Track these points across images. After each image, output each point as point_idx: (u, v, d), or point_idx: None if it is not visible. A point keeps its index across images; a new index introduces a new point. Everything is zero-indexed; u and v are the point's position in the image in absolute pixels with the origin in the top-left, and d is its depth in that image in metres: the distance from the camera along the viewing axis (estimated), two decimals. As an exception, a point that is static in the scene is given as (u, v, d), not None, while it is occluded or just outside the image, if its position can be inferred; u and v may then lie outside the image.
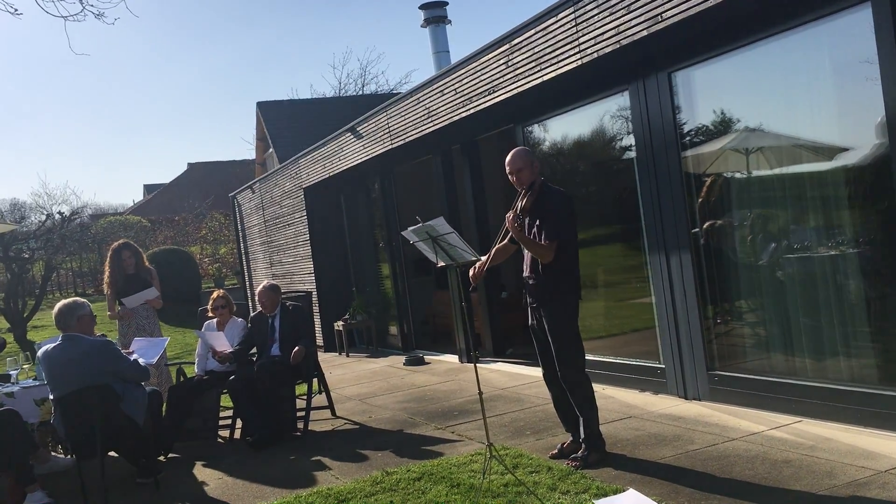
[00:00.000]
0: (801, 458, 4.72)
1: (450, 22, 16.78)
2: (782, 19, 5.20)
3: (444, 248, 4.79)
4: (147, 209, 41.26)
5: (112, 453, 6.08)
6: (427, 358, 10.58)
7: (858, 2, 4.76)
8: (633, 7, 5.75)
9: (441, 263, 4.99)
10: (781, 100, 5.68)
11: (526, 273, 5.21)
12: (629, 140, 6.78)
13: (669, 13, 5.43)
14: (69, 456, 6.45)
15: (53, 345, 5.59)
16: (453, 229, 4.71)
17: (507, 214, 4.96)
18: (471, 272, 5.17)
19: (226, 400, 7.41)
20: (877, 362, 5.19)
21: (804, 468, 4.56)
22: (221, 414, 7.43)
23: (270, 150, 23.18)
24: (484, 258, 5.17)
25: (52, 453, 6.66)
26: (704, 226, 6.21)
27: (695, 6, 5.22)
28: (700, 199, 6.20)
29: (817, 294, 5.47)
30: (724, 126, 6.10)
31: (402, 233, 5.05)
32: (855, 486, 4.19)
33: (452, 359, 10.23)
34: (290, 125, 22.31)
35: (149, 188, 53.44)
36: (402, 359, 10.70)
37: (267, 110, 23.49)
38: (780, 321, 5.75)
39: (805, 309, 5.55)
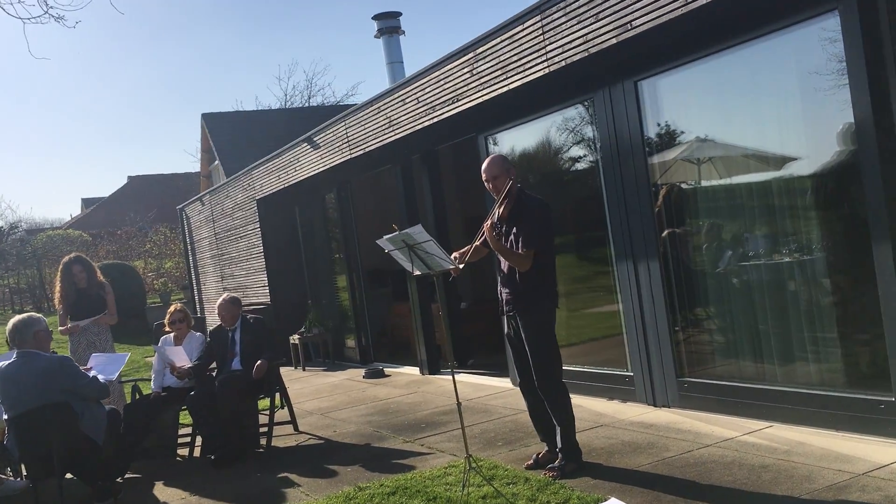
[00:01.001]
0: (777, 463, 4.74)
1: (403, 32, 16.75)
2: (750, 28, 5.26)
3: (420, 257, 4.71)
4: (86, 223, 40.15)
5: (68, 475, 5.81)
6: (387, 370, 10.44)
7: (826, 10, 4.84)
8: (601, 15, 5.76)
9: (417, 272, 4.90)
10: (746, 109, 5.75)
11: (502, 282, 5.15)
12: (595, 148, 6.79)
13: (639, 21, 5.45)
14: (20, 479, 6.16)
15: (7, 362, 5.32)
16: (431, 237, 4.62)
17: (485, 223, 4.89)
18: (456, 254, 5.08)
19: (184, 417, 7.17)
20: (843, 366, 5.27)
21: (782, 473, 4.57)
22: (179, 431, 7.18)
23: (216, 161, 22.80)
24: (463, 250, 5.09)
25: (1, 476, 6.35)
26: (664, 233, 6.25)
27: (666, 14, 5.24)
28: (658, 206, 6.23)
29: (784, 299, 5.54)
30: (689, 134, 6.16)
31: (378, 241, 4.95)
32: (835, 490, 4.22)
33: (413, 371, 10.11)
34: (236, 137, 21.98)
35: (87, 202, 52.08)
36: (361, 372, 10.54)
37: (212, 122, 23.12)
38: (748, 327, 5.80)
39: (772, 314, 5.60)
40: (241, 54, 71.19)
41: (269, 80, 79.49)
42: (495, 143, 8.06)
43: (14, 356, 5.34)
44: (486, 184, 5.08)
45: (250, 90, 79.10)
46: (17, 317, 5.46)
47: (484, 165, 5.08)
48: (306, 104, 37.24)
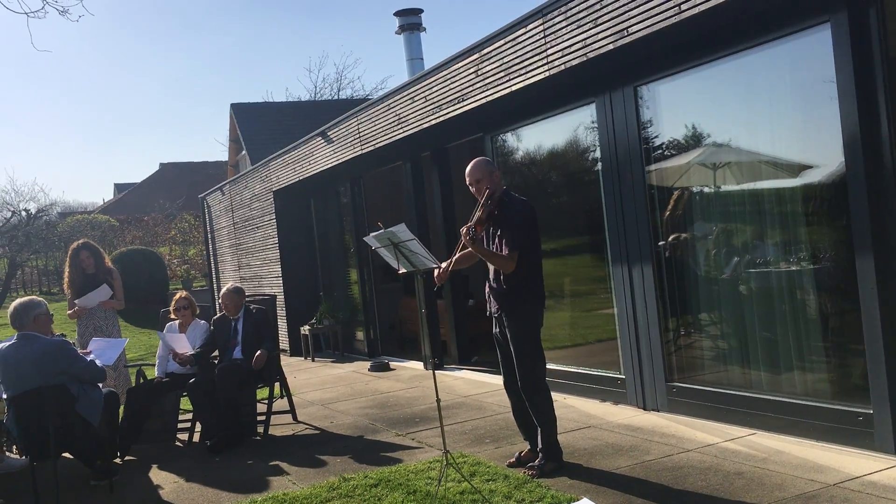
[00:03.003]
0: (752, 471, 4.78)
1: (424, 29, 16.83)
2: (745, 38, 5.29)
3: (405, 255, 4.80)
4: (117, 208, 40.83)
5: (67, 455, 6.00)
6: (392, 364, 10.57)
7: (818, 23, 4.85)
8: (599, 21, 5.82)
9: (402, 270, 5.00)
10: (743, 116, 5.77)
11: (489, 282, 5.23)
12: (595, 152, 6.84)
13: (635, 28, 5.50)
14: (23, 457, 6.36)
15: (8, 343, 5.51)
16: (414, 236, 4.71)
17: (463, 227, 4.95)
18: (435, 273, 5.16)
19: (185, 403, 7.35)
20: (830, 377, 5.29)
21: (755, 480, 4.62)
22: (180, 417, 7.36)
23: (243, 152, 23.05)
24: (445, 264, 5.16)
25: (7, 453, 6.56)
26: (670, 238, 6.28)
27: (659, 22, 5.29)
28: (667, 213, 6.27)
29: (775, 309, 5.56)
30: (687, 140, 6.19)
31: (364, 238, 5.05)
32: (803, 499, 4.25)
33: (417, 365, 10.23)
34: (263, 127, 22.20)
35: (119, 187, 52.90)
36: (368, 364, 10.68)
37: (241, 112, 23.36)
38: (739, 335, 5.83)
39: (763, 323, 5.63)
40: (272, 45, 71.84)
41: (300, 71, 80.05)
42: (500, 143, 8.14)
43: (14, 338, 5.53)
44: (469, 186, 5.16)
45: (281, 81, 79.71)
46: (18, 300, 5.64)
47: (468, 169, 5.15)
48: (335, 97, 37.47)
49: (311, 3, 68.01)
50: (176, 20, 73.28)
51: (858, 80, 4.67)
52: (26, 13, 9.67)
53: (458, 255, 5.03)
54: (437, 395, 5.05)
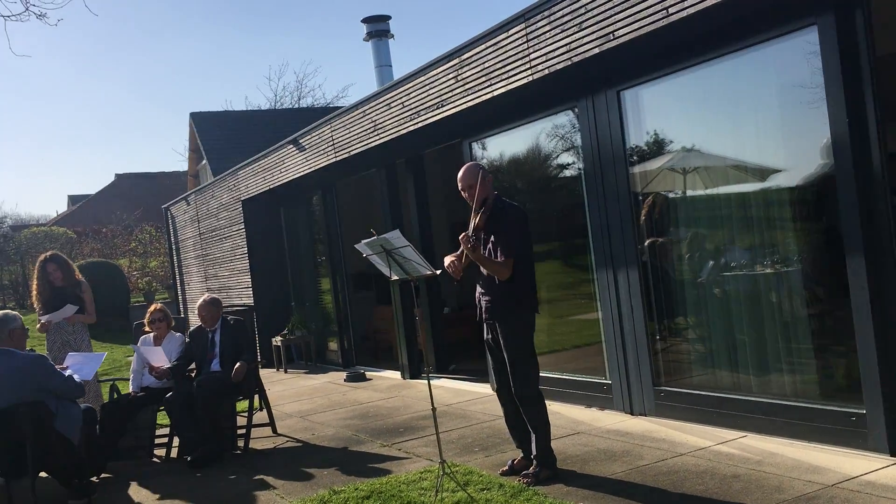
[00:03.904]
0: (749, 473, 4.77)
1: (392, 36, 16.77)
2: (730, 41, 5.31)
3: (398, 262, 4.72)
4: (72, 220, 39.91)
5: (43, 473, 5.78)
6: (368, 374, 10.44)
7: (805, 25, 4.89)
8: (584, 25, 5.80)
9: (395, 277, 4.91)
10: (727, 120, 5.80)
11: (481, 288, 5.16)
12: (578, 156, 6.83)
13: (622, 31, 5.49)
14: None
15: (-18, 360, 5.29)
16: (409, 242, 4.63)
17: (461, 235, 4.89)
18: (449, 269, 5.06)
19: (162, 417, 7.15)
20: (818, 378, 5.32)
21: (753, 483, 4.61)
22: (157, 432, 7.16)
23: (204, 161, 22.71)
24: (452, 258, 5.09)
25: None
26: (646, 243, 6.29)
27: (647, 25, 5.28)
28: (642, 217, 6.27)
29: (761, 311, 5.58)
30: (671, 144, 6.21)
31: (356, 245, 4.96)
32: (804, 501, 4.25)
33: (394, 375, 10.11)
34: (224, 136, 21.89)
35: (74, 199, 51.77)
36: (343, 375, 10.53)
37: (200, 121, 23.01)
38: (725, 337, 5.85)
39: (749, 325, 5.65)
40: (231, 54, 71.08)
41: (260, 80, 79.46)
42: (480, 149, 8.09)
43: (-11, 354, 5.32)
44: (462, 192, 5.10)
45: (240, 90, 78.99)
46: (-7, 314, 5.43)
47: (459, 174, 5.09)
48: (296, 105, 37.18)
49: (269, 11, 67.53)
50: (134, 29, 72.19)
51: (846, 82, 4.71)
52: (4, 16, 9.35)
53: (465, 257, 4.98)
54: (433, 404, 4.98)
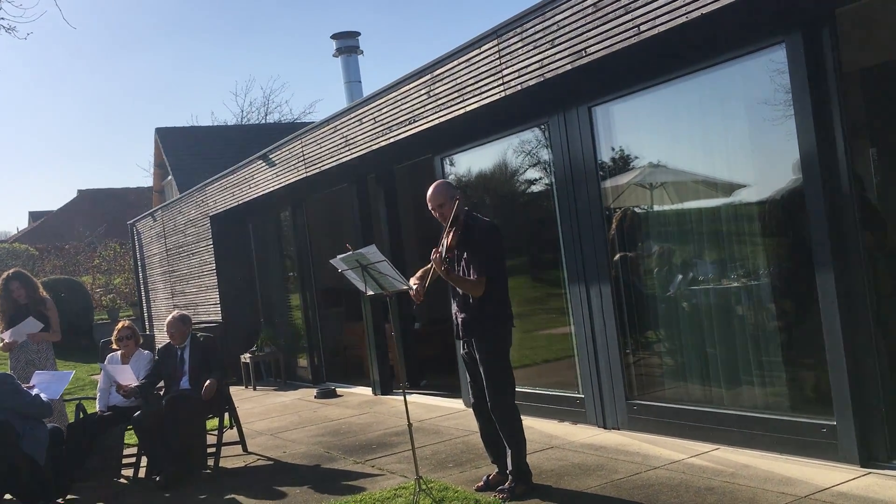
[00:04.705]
0: (723, 486, 4.80)
1: (362, 52, 16.81)
2: (700, 59, 5.39)
3: (374, 277, 4.70)
4: (33, 236, 39.23)
5: (7, 496, 5.64)
6: (339, 390, 10.36)
7: (773, 43, 4.98)
8: (557, 41, 5.86)
9: (370, 292, 4.89)
10: (698, 135, 5.87)
11: (457, 306, 5.15)
12: (550, 171, 6.87)
13: (593, 48, 5.55)
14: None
15: (-54, 379, 5.16)
16: (385, 257, 4.62)
17: (432, 254, 4.88)
18: (413, 294, 5.04)
19: (129, 437, 7.02)
20: (789, 390, 5.38)
21: (727, 495, 4.64)
22: (125, 451, 7.02)
23: (169, 177, 22.51)
24: (415, 281, 5.06)
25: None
26: (616, 257, 6.34)
27: (619, 42, 5.35)
28: (612, 231, 6.32)
29: (733, 324, 5.64)
30: (641, 159, 6.27)
31: (331, 261, 4.92)
32: (779, 512, 4.29)
33: (365, 391, 10.05)
34: (190, 152, 21.74)
35: (34, 215, 50.88)
36: (313, 392, 10.44)
37: (166, 137, 22.85)
38: (696, 351, 5.90)
39: (719, 338, 5.70)
40: (197, 69, 70.59)
41: (226, 95, 78.99)
42: (452, 165, 8.11)
43: (-47, 373, 5.19)
44: (432, 212, 5.09)
45: (206, 106, 78.40)
46: (-42, 333, 5.31)
47: (429, 193, 5.08)
48: (263, 121, 37.04)
49: (237, 27, 67.28)
50: (97, 42, 71.41)
51: (814, 97, 4.80)
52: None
53: (430, 277, 4.95)
54: (409, 420, 4.95)
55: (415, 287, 4.98)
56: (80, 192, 46.28)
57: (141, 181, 49.73)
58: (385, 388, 9.68)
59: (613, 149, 6.34)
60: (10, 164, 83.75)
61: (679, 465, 5.30)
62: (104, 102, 77.63)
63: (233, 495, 5.95)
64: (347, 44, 16.73)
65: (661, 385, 6.25)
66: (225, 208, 12.22)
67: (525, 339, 7.58)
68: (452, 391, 8.62)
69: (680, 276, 6.08)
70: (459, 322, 5.15)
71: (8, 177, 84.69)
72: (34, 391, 5.62)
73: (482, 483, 5.29)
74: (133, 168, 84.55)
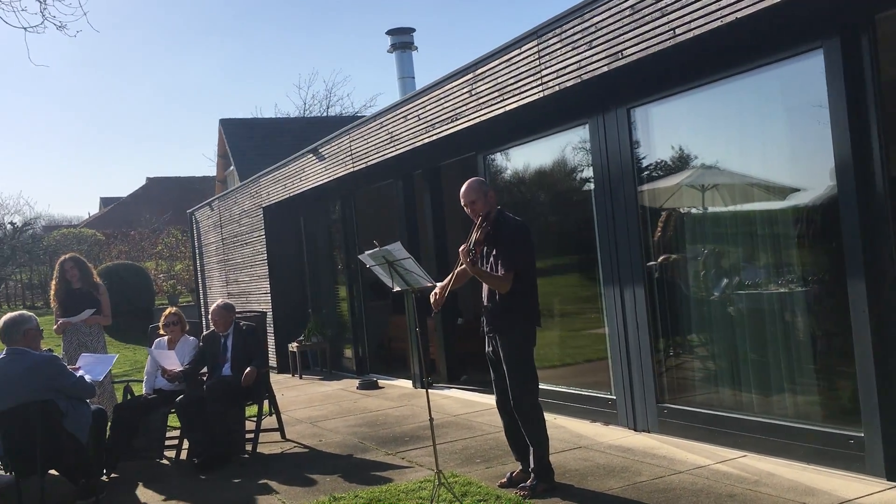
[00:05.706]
0: (744, 493, 4.78)
1: (416, 48, 16.92)
2: (737, 62, 5.34)
3: (400, 274, 4.80)
4: (103, 222, 40.59)
5: (53, 472, 5.93)
6: (381, 382, 10.52)
7: (811, 49, 4.91)
8: (594, 43, 5.86)
9: (397, 288, 4.99)
10: (736, 139, 5.82)
11: (484, 301, 5.22)
12: (588, 172, 6.88)
13: (630, 51, 5.55)
14: (9, 473, 6.27)
15: (-3, 358, 5.45)
16: (410, 255, 4.71)
17: (461, 247, 4.96)
18: (431, 298, 5.15)
19: (173, 420, 7.28)
20: (820, 400, 5.31)
21: (747, 503, 4.61)
22: (168, 434, 7.29)
23: (231, 167, 23.02)
24: (443, 283, 5.15)
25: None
26: (660, 259, 6.31)
27: (655, 45, 5.33)
28: (657, 234, 6.29)
29: (766, 331, 5.58)
30: (679, 162, 6.23)
31: (359, 256, 5.05)
32: (796, 522, 4.26)
33: (406, 384, 10.19)
34: (252, 143, 22.17)
35: (105, 201, 52.58)
36: (356, 382, 10.63)
37: (229, 128, 23.34)
38: (729, 356, 5.85)
39: (753, 345, 5.65)
40: (262, 61, 71.87)
41: (289, 88, 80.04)
42: (493, 162, 8.16)
43: (4, 353, 5.48)
44: (464, 208, 5.17)
45: (270, 97, 79.71)
46: (8, 315, 5.59)
47: (462, 190, 5.16)
48: (324, 114, 37.50)
49: (301, 21, 68.30)
50: (166, 35, 73.39)
51: (850, 105, 4.72)
52: (24, 28, 9.68)
53: (452, 278, 5.03)
54: (430, 415, 5.02)
55: (437, 290, 5.07)
56: (149, 179, 47.64)
57: (206, 170, 50.92)
58: (424, 381, 9.78)
59: (652, 151, 6.31)
60: (84, 150, 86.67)
61: (704, 471, 5.28)
62: (173, 93, 79.70)
63: (265, 480, 6.13)
64: (402, 40, 16.88)
65: (692, 389, 6.22)
66: (277, 200, 12.49)
67: (562, 338, 7.61)
68: (491, 387, 8.65)
69: (716, 281, 6.03)
70: (485, 317, 5.22)
71: (83, 164, 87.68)
72: (79, 372, 5.87)
73: (505, 479, 5.36)
74: (199, 157, 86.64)
